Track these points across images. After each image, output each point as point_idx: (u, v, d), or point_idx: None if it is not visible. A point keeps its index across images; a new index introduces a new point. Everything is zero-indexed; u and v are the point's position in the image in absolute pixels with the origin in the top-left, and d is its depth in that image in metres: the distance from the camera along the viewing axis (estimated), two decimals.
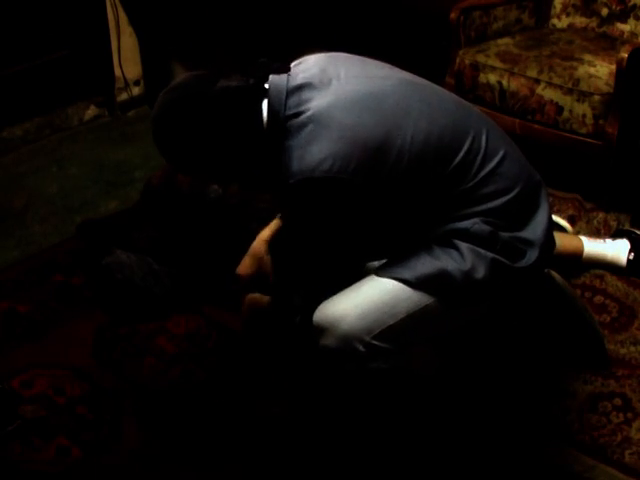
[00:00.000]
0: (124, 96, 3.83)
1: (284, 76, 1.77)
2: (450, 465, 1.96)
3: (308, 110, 1.72)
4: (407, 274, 1.80)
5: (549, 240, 1.89)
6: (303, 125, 1.71)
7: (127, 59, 3.77)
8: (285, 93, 1.74)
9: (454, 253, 1.78)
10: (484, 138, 1.82)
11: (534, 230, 1.84)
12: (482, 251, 1.77)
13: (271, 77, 1.77)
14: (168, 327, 2.42)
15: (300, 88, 1.76)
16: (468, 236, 1.78)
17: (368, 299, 1.82)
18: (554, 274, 2.22)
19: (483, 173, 1.79)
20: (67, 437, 2.05)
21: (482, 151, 1.80)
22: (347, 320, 1.80)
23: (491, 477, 1.94)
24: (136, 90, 3.87)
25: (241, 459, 2.00)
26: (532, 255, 1.82)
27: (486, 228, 1.78)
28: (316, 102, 1.73)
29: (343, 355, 1.83)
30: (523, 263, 1.81)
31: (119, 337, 2.38)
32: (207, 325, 2.42)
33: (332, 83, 1.76)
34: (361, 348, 1.80)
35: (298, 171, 1.68)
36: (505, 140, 1.90)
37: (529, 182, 1.88)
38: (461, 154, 1.78)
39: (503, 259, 1.79)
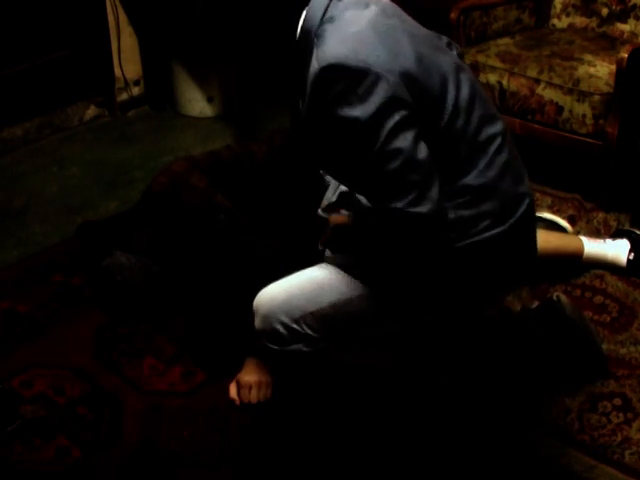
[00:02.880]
0: (124, 96, 3.83)
1: None
2: (449, 466, 1.96)
3: (340, 18, 1.76)
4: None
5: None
6: (330, 29, 1.75)
7: (127, 59, 3.76)
8: (324, 9, 1.77)
9: None
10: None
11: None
12: None
13: None
14: (168, 327, 2.42)
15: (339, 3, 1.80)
16: None
17: (297, 285, 1.91)
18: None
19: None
20: (67, 437, 2.05)
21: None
22: (273, 302, 1.90)
23: (491, 477, 1.95)
24: (136, 90, 3.87)
25: (240, 459, 2.00)
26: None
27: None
28: (350, 13, 1.76)
29: (266, 335, 1.92)
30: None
31: (119, 337, 2.38)
32: (207, 325, 2.42)
33: (370, 6, 1.79)
34: (281, 330, 1.90)
35: (316, 63, 1.71)
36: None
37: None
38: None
39: None
